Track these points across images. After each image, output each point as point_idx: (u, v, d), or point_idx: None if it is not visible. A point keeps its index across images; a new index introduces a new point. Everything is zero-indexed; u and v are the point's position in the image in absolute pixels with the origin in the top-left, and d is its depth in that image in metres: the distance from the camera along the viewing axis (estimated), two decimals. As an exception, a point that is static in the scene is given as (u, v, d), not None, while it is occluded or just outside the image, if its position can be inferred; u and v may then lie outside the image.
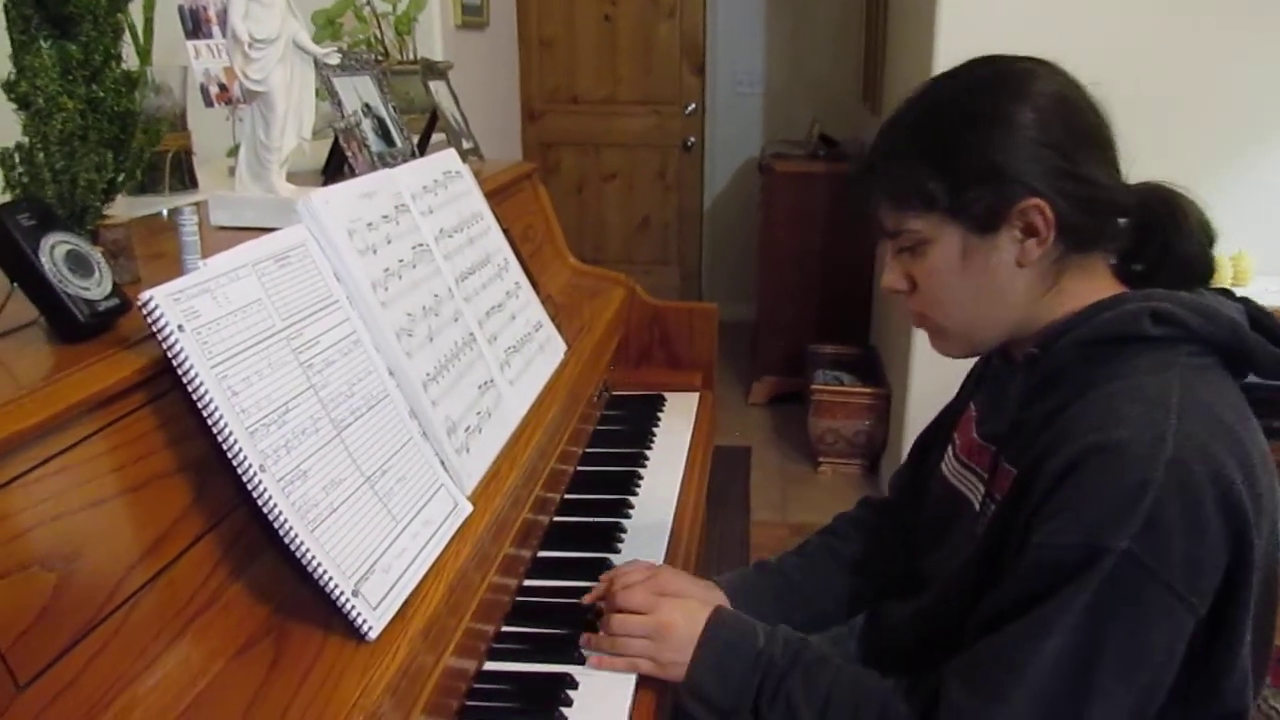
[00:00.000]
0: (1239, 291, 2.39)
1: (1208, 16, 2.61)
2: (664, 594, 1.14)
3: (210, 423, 0.80)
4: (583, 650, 1.14)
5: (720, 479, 1.49)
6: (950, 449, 1.17)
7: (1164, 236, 1.02)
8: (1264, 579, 0.93)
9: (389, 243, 1.12)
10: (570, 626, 1.17)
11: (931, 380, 2.99)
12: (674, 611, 1.11)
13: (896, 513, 1.32)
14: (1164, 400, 0.90)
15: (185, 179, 1.64)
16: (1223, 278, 2.52)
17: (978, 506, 1.08)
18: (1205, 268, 1.03)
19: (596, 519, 1.45)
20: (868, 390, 3.52)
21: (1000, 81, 0.99)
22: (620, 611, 1.13)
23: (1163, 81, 2.64)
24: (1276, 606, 0.98)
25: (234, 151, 1.79)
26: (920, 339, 2.94)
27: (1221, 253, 2.54)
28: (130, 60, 1.53)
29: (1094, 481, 0.88)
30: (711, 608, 1.11)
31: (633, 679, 1.10)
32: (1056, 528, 0.89)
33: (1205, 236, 1.03)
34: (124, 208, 1.14)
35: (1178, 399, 0.91)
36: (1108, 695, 0.88)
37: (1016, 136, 0.95)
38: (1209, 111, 2.67)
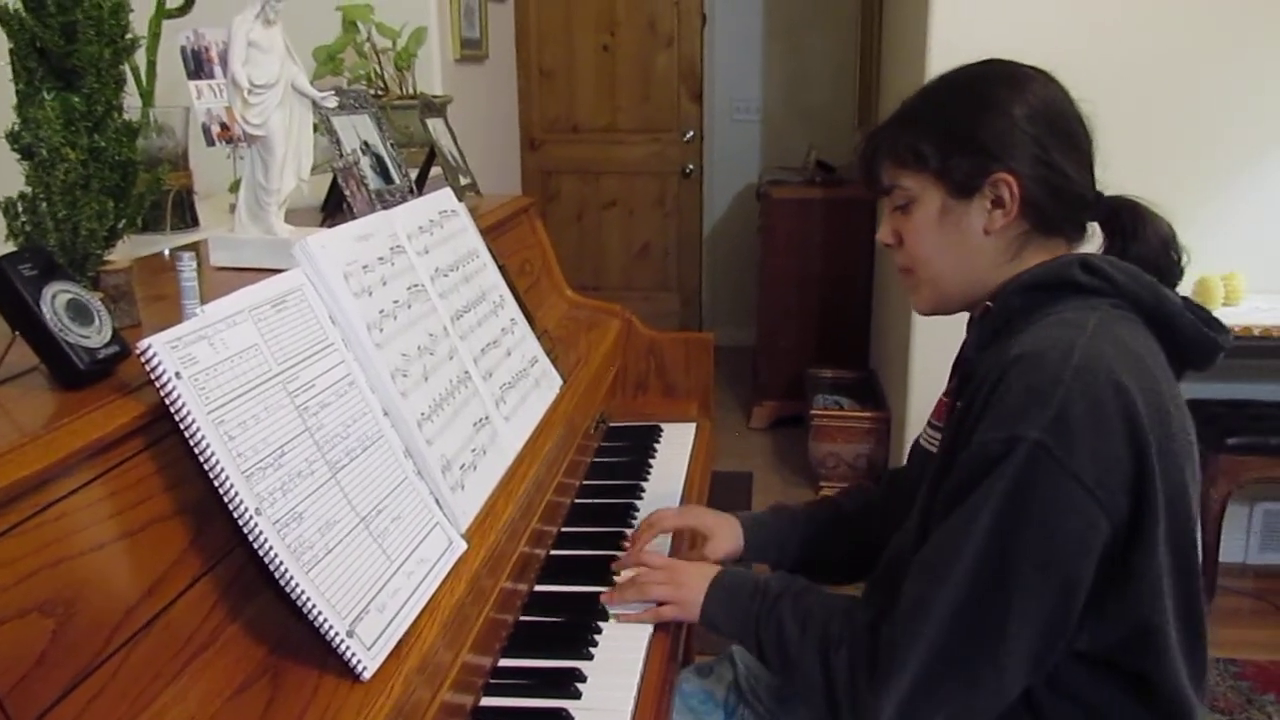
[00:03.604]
0: (1232, 310, 2.49)
1: (1202, 48, 2.65)
2: (689, 525, 1.43)
3: (207, 467, 0.82)
4: (606, 606, 1.29)
5: (722, 504, 1.54)
6: (928, 424, 1.28)
7: (1124, 241, 1.16)
8: (1178, 525, 1.03)
9: (384, 284, 1.14)
10: (566, 659, 1.18)
11: (930, 403, 2.99)
12: (689, 566, 1.31)
13: (894, 489, 1.43)
14: (1080, 325, 1.05)
15: (186, 217, 1.67)
16: (1215, 297, 2.55)
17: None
18: (1163, 274, 1.14)
19: (594, 551, 1.46)
20: (867, 414, 3.53)
21: (1002, 76, 1.15)
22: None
23: (1155, 110, 2.67)
24: (1195, 555, 1.07)
25: (235, 187, 1.82)
26: (918, 362, 2.96)
27: (1213, 273, 2.57)
28: (133, 100, 1.56)
29: (1014, 384, 1.02)
30: (720, 568, 1.28)
31: (630, 705, 1.11)
32: (984, 429, 1.03)
33: (1166, 249, 1.15)
34: (125, 247, 1.16)
35: (1093, 326, 1.05)
36: (1028, 586, 0.99)
37: (1003, 121, 1.10)
38: (1202, 136, 2.70)
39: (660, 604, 1.27)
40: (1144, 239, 1.14)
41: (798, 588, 1.21)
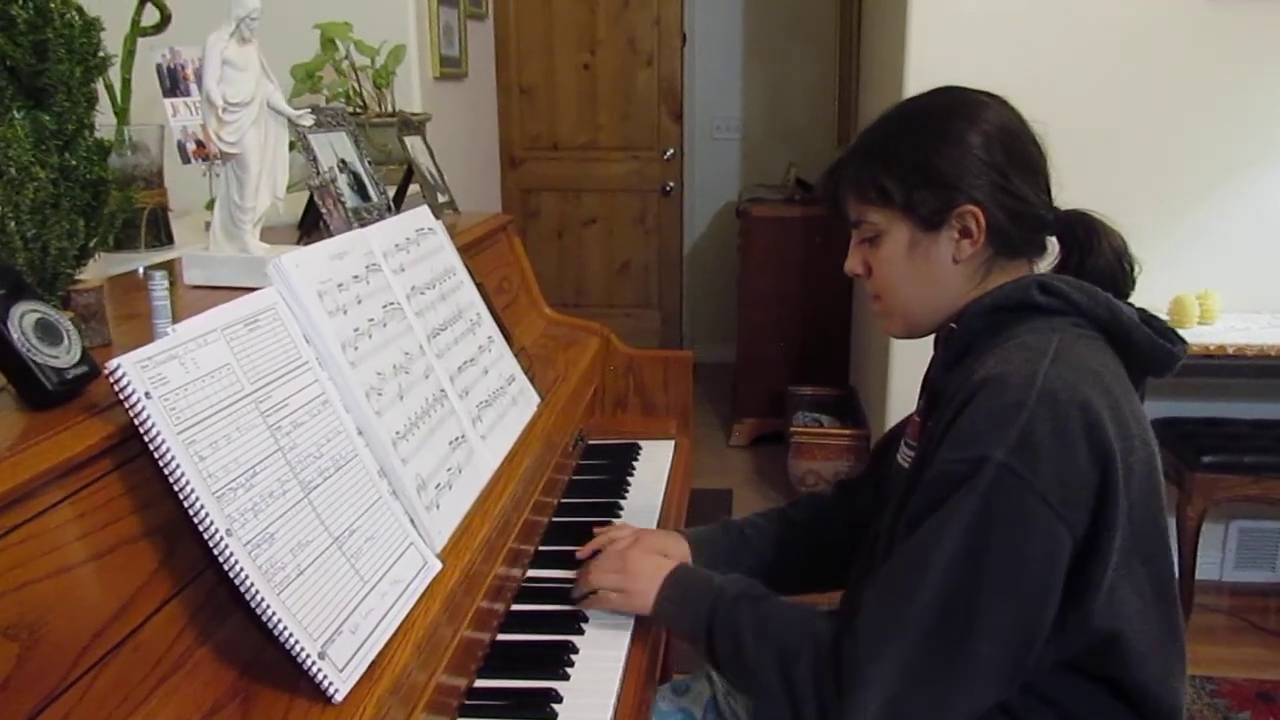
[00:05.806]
0: (1207, 329, 2.53)
1: (1177, 67, 2.68)
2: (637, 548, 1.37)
3: (177, 488, 0.81)
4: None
5: (701, 521, 1.55)
6: (903, 442, 1.28)
7: (1080, 254, 1.18)
8: (1145, 531, 1.05)
9: (359, 302, 1.14)
10: (542, 680, 1.17)
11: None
12: (642, 558, 1.31)
13: (848, 497, 1.47)
14: (1043, 348, 1.07)
15: (161, 235, 1.65)
16: (1190, 316, 2.56)
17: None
18: (1117, 284, 1.17)
19: (572, 571, 1.44)
20: (847, 431, 3.54)
21: (958, 107, 1.16)
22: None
23: (1130, 130, 2.70)
24: (1169, 562, 1.10)
25: (212, 204, 1.81)
26: (897, 379, 2.97)
27: (1188, 292, 2.60)
28: (108, 117, 1.55)
29: (979, 406, 1.04)
30: (677, 563, 1.29)
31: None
32: (949, 448, 1.04)
33: (1119, 259, 1.18)
34: (98, 265, 1.15)
35: (1055, 349, 1.06)
36: (996, 606, 1.00)
37: (963, 154, 1.12)
38: (1178, 156, 2.73)
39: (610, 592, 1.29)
40: (1098, 251, 1.17)
41: (756, 593, 1.20)
